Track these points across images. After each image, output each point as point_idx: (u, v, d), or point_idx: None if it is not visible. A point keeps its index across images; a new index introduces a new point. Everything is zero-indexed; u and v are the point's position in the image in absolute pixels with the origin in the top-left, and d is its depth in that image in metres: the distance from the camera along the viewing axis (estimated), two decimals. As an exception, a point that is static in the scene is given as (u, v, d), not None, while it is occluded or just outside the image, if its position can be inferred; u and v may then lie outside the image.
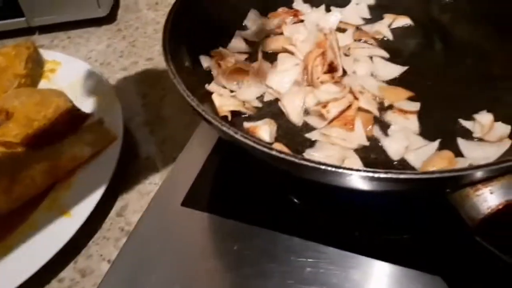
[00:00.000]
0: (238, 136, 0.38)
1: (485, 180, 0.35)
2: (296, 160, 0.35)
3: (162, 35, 0.49)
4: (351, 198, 0.50)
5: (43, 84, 0.71)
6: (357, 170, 0.33)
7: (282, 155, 0.35)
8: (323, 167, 0.34)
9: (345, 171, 0.34)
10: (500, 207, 0.34)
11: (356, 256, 0.47)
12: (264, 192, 0.55)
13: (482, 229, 0.35)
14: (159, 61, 0.79)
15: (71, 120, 0.62)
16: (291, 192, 0.54)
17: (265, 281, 0.47)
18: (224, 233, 0.51)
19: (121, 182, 0.59)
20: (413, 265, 0.46)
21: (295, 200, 0.54)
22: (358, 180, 0.34)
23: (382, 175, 0.33)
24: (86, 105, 0.65)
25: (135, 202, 0.58)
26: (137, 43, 0.84)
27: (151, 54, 0.81)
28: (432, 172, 0.33)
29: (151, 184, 0.60)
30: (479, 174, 0.35)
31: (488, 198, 0.35)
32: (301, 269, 0.47)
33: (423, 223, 0.49)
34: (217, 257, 0.50)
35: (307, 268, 0.47)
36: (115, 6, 0.93)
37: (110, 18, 0.90)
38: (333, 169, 0.34)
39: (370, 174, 0.33)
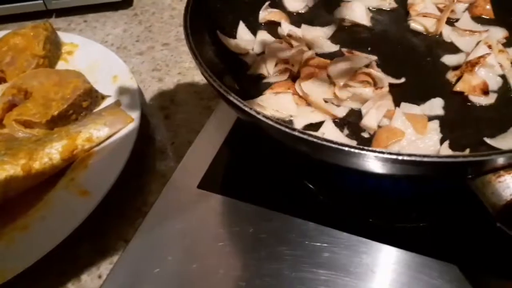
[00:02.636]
0: (260, 117, 0.38)
1: (508, 167, 0.35)
2: (318, 141, 0.35)
3: (183, 15, 0.49)
4: (367, 185, 0.50)
5: (60, 66, 0.71)
6: (380, 152, 0.33)
7: (304, 136, 0.35)
8: (346, 148, 0.34)
9: (368, 152, 0.33)
10: (523, 193, 0.34)
11: (370, 242, 0.48)
12: (280, 177, 0.55)
13: (504, 216, 0.35)
14: (175, 46, 0.79)
15: (88, 101, 0.62)
16: (306, 178, 0.55)
17: (279, 264, 0.47)
18: (239, 216, 0.52)
19: (137, 164, 0.59)
20: (429, 253, 0.46)
21: (310, 186, 0.54)
22: (380, 162, 0.34)
23: (406, 158, 0.33)
24: (104, 87, 0.66)
25: (152, 184, 0.58)
26: (153, 28, 0.84)
27: (167, 39, 0.81)
28: (455, 156, 0.33)
29: (167, 167, 0.60)
30: (502, 160, 0.34)
31: (511, 185, 0.35)
32: (315, 253, 0.47)
33: (440, 211, 0.49)
34: (232, 239, 0.50)
35: (321, 253, 0.47)
36: (131, -10, 0.93)
37: (126, 2, 0.90)
38: (355, 150, 0.34)
39: (393, 157, 0.33)
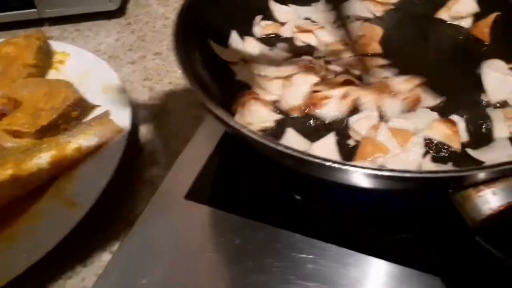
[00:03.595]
0: (245, 131, 0.38)
1: (488, 182, 0.36)
2: (302, 156, 0.35)
3: (173, 28, 0.49)
4: (353, 197, 0.51)
5: (52, 75, 0.72)
6: (361, 167, 0.33)
7: (288, 151, 0.35)
8: (327, 163, 0.34)
9: (350, 168, 0.34)
10: (502, 208, 0.34)
11: (357, 254, 0.47)
12: (267, 188, 0.55)
13: (483, 230, 0.36)
14: (167, 56, 0.80)
15: (78, 111, 0.62)
16: (293, 189, 0.55)
17: (266, 276, 0.47)
18: (226, 227, 0.52)
19: (125, 174, 0.59)
20: (413, 265, 0.46)
21: (297, 197, 0.54)
22: (362, 177, 0.35)
23: (386, 173, 0.33)
24: (94, 96, 0.66)
25: (140, 193, 0.58)
26: (146, 37, 0.85)
27: (159, 49, 0.82)
28: (435, 172, 0.33)
29: (156, 177, 0.60)
30: (481, 175, 0.35)
31: (490, 199, 0.35)
32: (301, 265, 0.47)
33: (425, 223, 0.49)
34: (219, 250, 0.50)
35: (307, 265, 0.47)
36: (125, 0, 0.93)
37: (120, 11, 0.90)
38: (338, 165, 0.34)
39: (375, 172, 0.33)
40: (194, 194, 0.54)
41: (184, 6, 0.51)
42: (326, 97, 0.52)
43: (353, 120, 0.51)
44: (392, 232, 0.49)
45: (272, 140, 0.36)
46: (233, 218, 0.52)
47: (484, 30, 0.62)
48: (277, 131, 0.53)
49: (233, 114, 0.53)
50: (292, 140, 0.50)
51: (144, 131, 0.67)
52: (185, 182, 0.55)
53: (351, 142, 0.49)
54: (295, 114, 0.54)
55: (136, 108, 0.70)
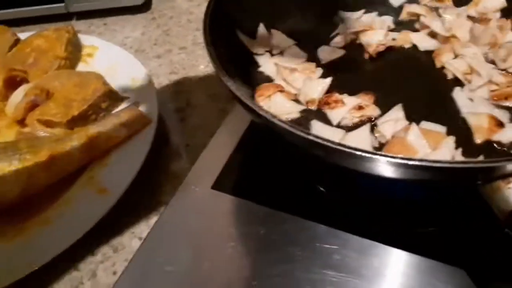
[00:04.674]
0: (275, 121, 0.39)
1: (518, 174, 0.36)
2: (332, 146, 0.36)
3: (204, 16, 0.51)
4: (379, 188, 0.51)
5: (81, 67, 0.74)
6: (391, 156, 0.34)
7: (318, 140, 0.36)
8: (358, 152, 0.35)
9: (379, 157, 0.34)
10: (531, 200, 0.35)
11: (381, 245, 0.48)
12: (292, 179, 0.56)
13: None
14: (192, 50, 0.81)
15: (108, 102, 0.64)
16: (318, 181, 0.56)
17: (290, 265, 0.48)
18: (251, 217, 0.53)
19: (153, 164, 0.61)
20: (437, 257, 0.46)
21: (322, 189, 0.55)
22: (391, 167, 0.35)
23: (417, 163, 0.34)
24: (123, 88, 0.68)
25: (166, 184, 0.60)
26: (171, 32, 0.86)
27: (184, 43, 0.83)
28: (465, 162, 0.34)
29: (182, 169, 0.61)
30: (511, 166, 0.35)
31: (520, 192, 0.35)
32: (325, 255, 0.48)
33: (450, 216, 0.50)
34: (244, 240, 0.51)
35: (331, 255, 0.48)
36: (150, -5, 0.95)
37: (145, 6, 0.92)
38: (367, 155, 0.35)
39: (404, 161, 0.34)
40: (221, 184, 0.55)
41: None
42: (341, 102, 0.52)
43: (380, 121, 0.52)
44: (418, 225, 0.50)
45: (305, 130, 0.37)
46: (258, 209, 0.53)
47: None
48: (301, 123, 0.54)
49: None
50: (321, 130, 0.51)
51: (170, 123, 0.69)
52: (211, 173, 0.56)
53: (375, 144, 0.50)
54: (311, 107, 0.54)
55: (162, 101, 0.72)
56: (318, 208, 0.53)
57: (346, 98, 0.53)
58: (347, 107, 0.52)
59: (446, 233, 0.49)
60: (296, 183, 0.55)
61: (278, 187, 0.55)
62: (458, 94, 0.53)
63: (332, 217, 0.51)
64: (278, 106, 0.53)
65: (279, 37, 0.62)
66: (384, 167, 0.36)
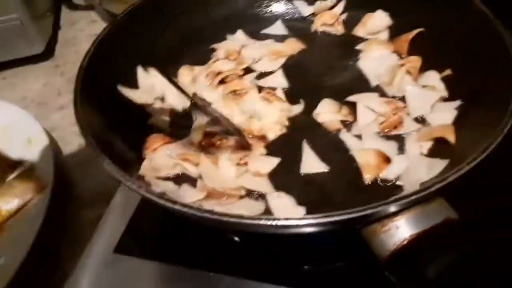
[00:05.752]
0: (146, 194, 0.37)
1: (393, 214, 0.36)
2: (198, 214, 0.34)
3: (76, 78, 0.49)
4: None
5: (-28, 131, 0.69)
6: (258, 218, 0.33)
7: (185, 209, 0.35)
8: (225, 219, 0.34)
9: (246, 221, 0.33)
10: (405, 242, 0.34)
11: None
12: (202, 233, 0.52)
13: (392, 264, 0.35)
14: (96, 97, 0.78)
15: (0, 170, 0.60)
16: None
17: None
18: (161, 277, 0.50)
19: (54, 229, 0.57)
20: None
21: (236, 239, 0.53)
22: (265, 228, 0.34)
23: (282, 223, 0.32)
24: (18, 151, 0.64)
25: (70, 251, 0.56)
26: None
27: (89, 90, 0.80)
28: (331, 215, 0.33)
29: (88, 228, 0.58)
30: (383, 210, 0.35)
31: (394, 234, 0.35)
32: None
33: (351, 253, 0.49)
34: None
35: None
36: (53, 41, 0.91)
37: (47, 54, 0.88)
38: (235, 220, 0.33)
39: (270, 223, 0.33)
40: (123, 247, 0.52)
41: (84, 64, 0.50)
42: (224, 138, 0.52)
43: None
44: (320, 262, 0.49)
45: (172, 200, 0.35)
46: (166, 268, 0.50)
47: (403, 44, 0.62)
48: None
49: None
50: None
51: (75, 179, 0.65)
52: (114, 235, 0.54)
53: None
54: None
55: (66, 155, 0.69)
56: (231, 260, 0.51)
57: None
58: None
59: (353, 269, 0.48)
60: (207, 236, 0.52)
61: (187, 242, 0.52)
62: (345, 135, 0.53)
63: (245, 267, 0.49)
64: (162, 161, 0.50)
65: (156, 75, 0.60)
66: (257, 229, 0.34)
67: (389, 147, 0.49)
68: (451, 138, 0.47)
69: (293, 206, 0.45)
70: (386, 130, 0.52)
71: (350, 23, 0.67)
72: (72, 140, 0.71)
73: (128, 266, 0.51)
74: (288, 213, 0.44)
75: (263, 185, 0.47)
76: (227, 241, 0.52)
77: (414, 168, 0.47)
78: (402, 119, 0.52)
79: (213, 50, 0.67)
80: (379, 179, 0.47)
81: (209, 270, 0.49)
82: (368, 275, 0.45)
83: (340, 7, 0.67)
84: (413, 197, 0.35)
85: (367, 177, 0.46)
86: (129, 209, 0.55)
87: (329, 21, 0.66)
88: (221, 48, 0.66)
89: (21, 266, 0.50)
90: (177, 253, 0.51)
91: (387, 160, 0.47)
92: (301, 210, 0.44)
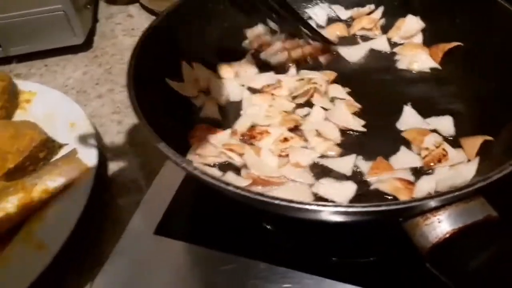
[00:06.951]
0: (200, 175, 0.39)
1: (435, 209, 0.37)
2: (261, 198, 0.36)
3: (127, 68, 0.51)
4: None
5: (19, 114, 0.72)
6: (307, 203, 0.35)
7: (238, 191, 0.37)
8: (276, 202, 0.36)
9: (299, 205, 0.35)
10: (447, 236, 0.36)
11: (331, 281, 0.48)
12: (238, 219, 0.55)
13: (432, 256, 0.37)
14: (134, 88, 0.80)
15: (45, 151, 0.63)
16: (264, 220, 0.55)
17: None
18: (197, 260, 0.53)
19: (95, 211, 0.60)
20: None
21: (268, 227, 0.55)
22: (309, 213, 0.36)
23: (332, 209, 0.34)
24: (62, 135, 0.67)
25: (110, 231, 0.59)
26: (113, 70, 0.86)
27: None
28: (378, 205, 0.35)
29: (126, 212, 0.60)
30: (427, 204, 0.36)
31: (437, 227, 0.37)
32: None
33: (388, 246, 0.51)
34: (191, 284, 0.51)
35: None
36: (91, 33, 0.94)
37: (86, 45, 0.91)
38: (285, 203, 0.35)
39: (318, 208, 0.34)
40: (163, 229, 0.55)
41: (135, 51, 0.53)
42: (266, 132, 0.54)
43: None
44: (356, 256, 0.50)
45: (226, 182, 0.37)
46: (204, 251, 0.52)
47: (439, 53, 0.64)
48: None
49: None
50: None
51: (113, 165, 0.68)
52: (154, 218, 0.56)
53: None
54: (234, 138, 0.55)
55: (105, 142, 0.71)
56: (265, 247, 0.53)
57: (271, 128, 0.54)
58: (273, 136, 0.53)
59: (387, 264, 0.49)
60: (242, 222, 0.55)
61: (224, 228, 0.55)
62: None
63: (279, 255, 0.51)
64: (207, 149, 0.53)
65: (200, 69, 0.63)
66: (306, 214, 0.36)
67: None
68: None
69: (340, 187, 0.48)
70: (431, 164, 0.51)
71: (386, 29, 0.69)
72: (111, 128, 0.74)
73: (167, 248, 0.53)
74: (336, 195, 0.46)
75: (304, 176, 0.49)
76: (261, 229, 0.55)
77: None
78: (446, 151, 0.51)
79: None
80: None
81: (245, 255, 0.51)
82: (391, 274, 0.48)
83: (378, 12, 0.69)
84: (456, 193, 0.36)
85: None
86: (170, 192, 0.58)
87: (367, 26, 0.68)
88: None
89: (65, 246, 0.53)
90: (214, 237, 0.54)
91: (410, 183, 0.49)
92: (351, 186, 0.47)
